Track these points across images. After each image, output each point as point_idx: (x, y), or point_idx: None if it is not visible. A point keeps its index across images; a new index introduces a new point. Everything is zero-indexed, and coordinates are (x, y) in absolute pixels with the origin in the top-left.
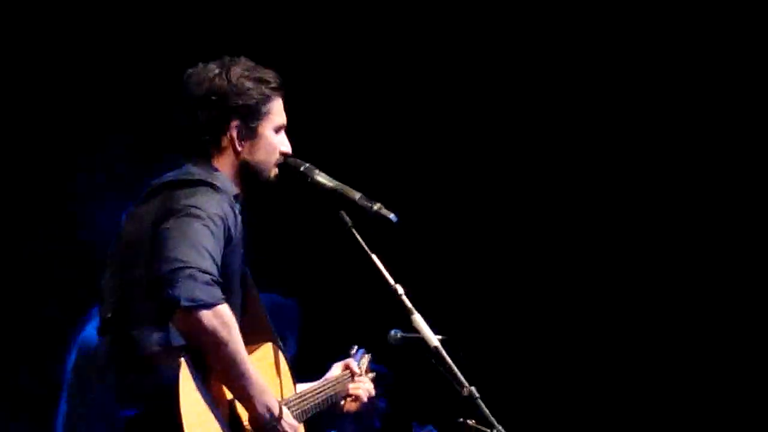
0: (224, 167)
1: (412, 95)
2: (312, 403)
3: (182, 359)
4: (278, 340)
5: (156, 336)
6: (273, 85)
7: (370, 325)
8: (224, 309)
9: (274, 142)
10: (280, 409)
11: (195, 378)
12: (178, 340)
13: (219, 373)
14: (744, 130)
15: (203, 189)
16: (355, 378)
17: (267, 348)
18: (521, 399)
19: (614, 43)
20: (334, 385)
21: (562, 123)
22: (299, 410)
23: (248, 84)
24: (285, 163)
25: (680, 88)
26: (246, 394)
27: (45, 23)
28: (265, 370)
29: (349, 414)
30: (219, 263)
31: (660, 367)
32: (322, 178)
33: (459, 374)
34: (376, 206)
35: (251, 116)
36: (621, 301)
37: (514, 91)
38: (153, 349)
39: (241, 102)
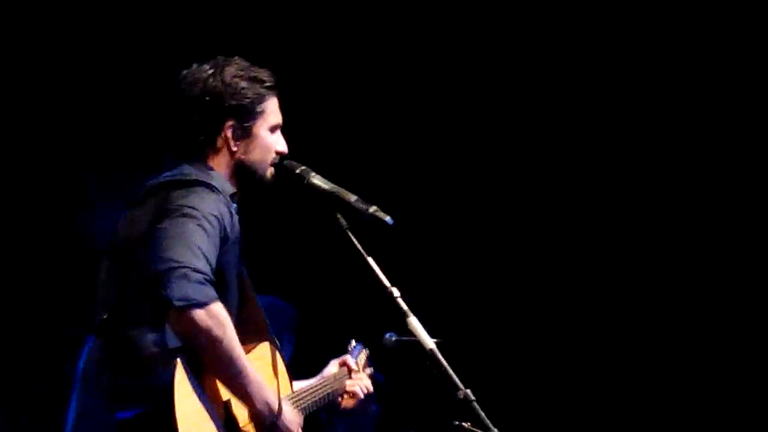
0: (220, 167)
1: (408, 98)
2: (309, 401)
3: (178, 360)
4: (275, 339)
5: (151, 337)
6: (267, 85)
7: (366, 328)
8: (218, 307)
9: (269, 141)
10: (280, 403)
11: (190, 379)
12: (173, 342)
13: (216, 372)
14: (744, 130)
15: (199, 189)
16: (352, 374)
17: (264, 347)
18: (517, 402)
19: (614, 43)
20: (332, 382)
21: (559, 124)
22: (297, 408)
23: (242, 84)
24: (281, 166)
25: (680, 88)
26: (244, 391)
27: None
28: (263, 368)
29: (345, 412)
30: (214, 263)
31: (657, 369)
32: (318, 180)
33: (454, 377)
34: (372, 209)
35: (246, 116)
36: (617, 302)
37: (509, 92)
38: (149, 350)
39: (235, 102)
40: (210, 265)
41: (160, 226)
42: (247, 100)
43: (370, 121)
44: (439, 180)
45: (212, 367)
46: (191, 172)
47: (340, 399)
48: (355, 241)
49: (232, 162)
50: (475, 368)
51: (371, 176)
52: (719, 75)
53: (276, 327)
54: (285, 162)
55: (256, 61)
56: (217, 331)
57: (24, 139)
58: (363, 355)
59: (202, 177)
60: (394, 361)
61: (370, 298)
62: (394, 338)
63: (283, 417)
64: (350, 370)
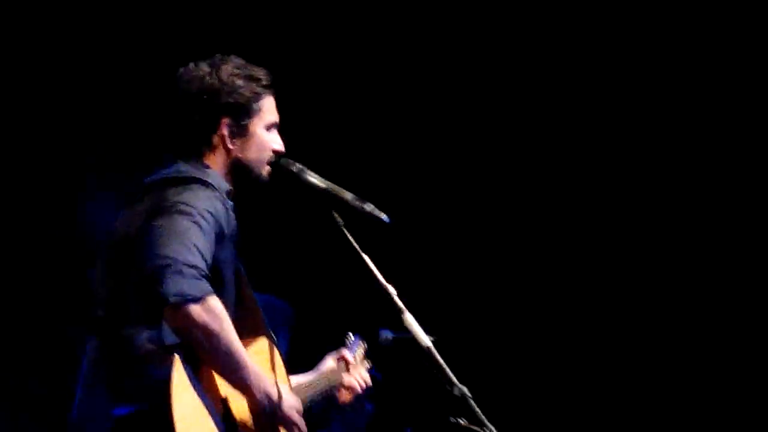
0: (216, 165)
1: (403, 96)
2: (307, 395)
3: (175, 357)
4: (272, 335)
5: (148, 334)
6: (264, 83)
7: (362, 325)
8: (214, 301)
9: (265, 140)
10: (279, 392)
11: (188, 376)
12: (170, 339)
13: (214, 365)
14: (744, 130)
15: (194, 186)
16: (350, 368)
17: (262, 342)
18: (513, 398)
19: (613, 43)
20: (329, 375)
21: (551, 119)
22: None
23: (239, 82)
24: (277, 164)
25: (680, 88)
26: (243, 383)
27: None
28: (261, 363)
29: (341, 407)
30: (209, 259)
31: (652, 365)
32: (313, 178)
33: (450, 374)
34: (368, 207)
35: (242, 114)
36: (613, 298)
37: (503, 87)
38: (145, 347)
39: (232, 100)
40: (205, 260)
41: (155, 223)
42: (244, 99)
43: (365, 119)
44: (434, 177)
45: (210, 361)
46: (187, 169)
47: (337, 393)
48: (351, 239)
49: (229, 160)
50: (472, 365)
51: (367, 174)
52: (719, 75)
53: (272, 325)
54: (281, 160)
55: (252, 60)
56: (213, 325)
57: (23, 139)
58: (361, 349)
59: (197, 174)
60: (390, 359)
61: (366, 296)
62: (390, 336)
63: (283, 405)
64: (348, 364)
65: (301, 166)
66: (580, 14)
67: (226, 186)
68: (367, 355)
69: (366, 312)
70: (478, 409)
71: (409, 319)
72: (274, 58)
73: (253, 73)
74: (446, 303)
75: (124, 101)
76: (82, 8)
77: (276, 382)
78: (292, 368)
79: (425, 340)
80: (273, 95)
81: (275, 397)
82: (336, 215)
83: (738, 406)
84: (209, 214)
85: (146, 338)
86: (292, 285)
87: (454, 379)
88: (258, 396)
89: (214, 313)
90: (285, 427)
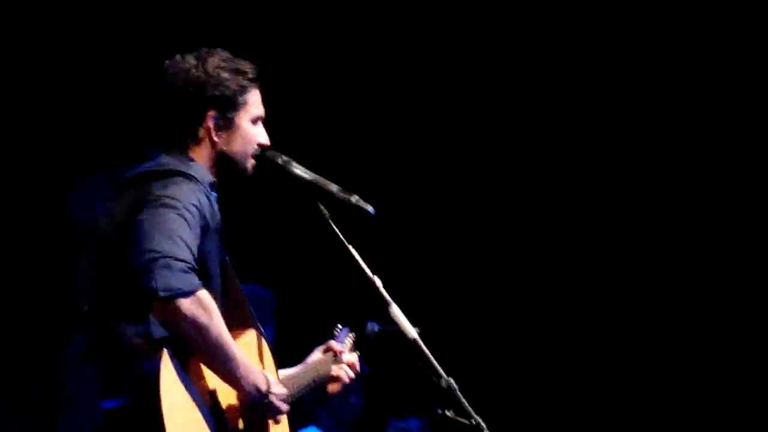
0: (201, 158)
1: (389, 88)
2: (295, 387)
3: (163, 351)
4: (259, 326)
5: (135, 328)
6: (250, 76)
7: (348, 317)
8: (203, 295)
9: (251, 133)
10: (268, 383)
11: (176, 369)
12: (158, 332)
13: (203, 359)
14: (744, 131)
15: (177, 179)
16: (337, 358)
17: (249, 334)
18: (499, 389)
19: (611, 43)
20: (317, 367)
21: (537, 113)
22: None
23: (225, 75)
24: (262, 156)
25: (680, 89)
26: (233, 376)
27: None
28: (249, 355)
29: (329, 398)
30: (195, 252)
31: (636, 357)
32: (299, 170)
33: (437, 365)
34: (354, 198)
35: (228, 107)
36: (598, 290)
37: (487, 80)
38: (133, 341)
39: (217, 93)
40: (192, 254)
41: (140, 217)
42: (230, 91)
43: (351, 111)
44: (420, 170)
45: (199, 354)
46: (170, 162)
47: (326, 384)
48: (337, 231)
49: (214, 153)
50: (458, 356)
51: (352, 166)
52: (719, 75)
53: (257, 315)
54: (266, 152)
55: (239, 55)
56: (203, 319)
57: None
58: (349, 340)
59: (181, 167)
60: (376, 351)
61: (352, 288)
62: (376, 327)
63: (272, 395)
64: (336, 355)
65: (286, 158)
66: (580, 14)
67: (209, 178)
68: (356, 347)
69: (352, 304)
70: (464, 401)
71: (395, 310)
72: (260, 52)
73: (239, 66)
74: (432, 294)
75: (111, 95)
76: (69, 3)
77: (264, 373)
78: (280, 360)
79: (411, 331)
80: (259, 89)
81: (264, 388)
82: (322, 207)
83: (738, 406)
84: (194, 207)
85: (134, 332)
86: (279, 278)
87: (441, 371)
88: (247, 388)
89: (203, 306)
90: (273, 418)
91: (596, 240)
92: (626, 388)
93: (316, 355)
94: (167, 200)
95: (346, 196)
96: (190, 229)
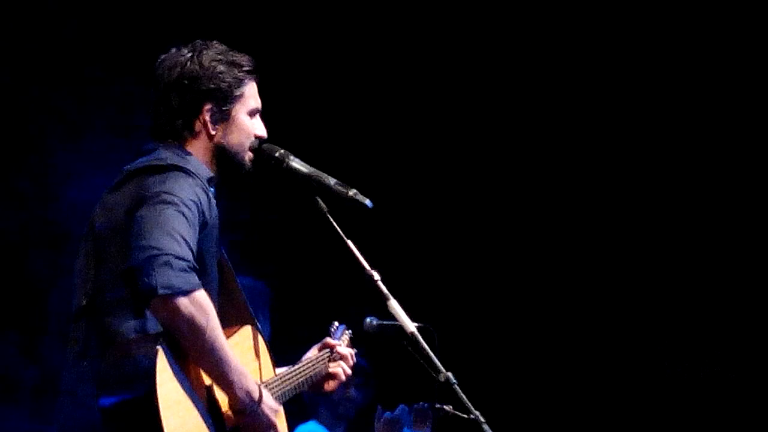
0: (198, 151)
1: (389, 82)
2: (292, 385)
3: (159, 347)
4: (256, 322)
5: (132, 324)
6: (246, 69)
7: (346, 312)
8: (201, 295)
9: (248, 125)
10: (260, 392)
11: (172, 365)
12: (155, 328)
13: (197, 359)
14: (744, 131)
15: (175, 174)
16: (334, 355)
17: (246, 331)
18: (498, 384)
19: (611, 43)
20: (314, 364)
21: (537, 111)
22: (279, 392)
23: (221, 67)
24: (260, 149)
25: (679, 88)
26: (226, 379)
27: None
28: (244, 353)
29: (325, 399)
30: (194, 248)
31: (634, 354)
32: (296, 164)
33: (435, 360)
34: (351, 192)
35: (224, 99)
36: (598, 285)
37: (490, 76)
38: (129, 336)
39: (213, 85)
40: (191, 250)
41: (138, 213)
42: (225, 84)
43: (349, 104)
44: (418, 164)
45: (194, 355)
46: (167, 156)
47: (322, 381)
48: (335, 225)
49: (211, 146)
50: (457, 351)
51: (351, 160)
52: (719, 75)
53: (252, 308)
54: (264, 145)
55: (237, 48)
56: (200, 320)
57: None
58: (346, 337)
59: (178, 162)
60: (374, 345)
61: (350, 283)
62: (375, 322)
63: (263, 405)
64: (332, 352)
65: (284, 152)
66: (579, 14)
67: (207, 173)
68: (353, 343)
69: (351, 298)
70: (463, 396)
71: (394, 305)
72: (259, 46)
73: (235, 58)
74: (431, 289)
75: (107, 86)
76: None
77: (258, 383)
78: (277, 357)
79: (410, 325)
80: (256, 81)
81: (256, 395)
82: (319, 201)
83: (738, 406)
84: (192, 203)
85: (130, 327)
86: (276, 273)
87: (440, 366)
88: (239, 394)
89: (201, 307)
90: (263, 427)
91: (597, 235)
92: (626, 383)
93: (312, 353)
94: (166, 196)
95: (344, 189)
96: (190, 225)
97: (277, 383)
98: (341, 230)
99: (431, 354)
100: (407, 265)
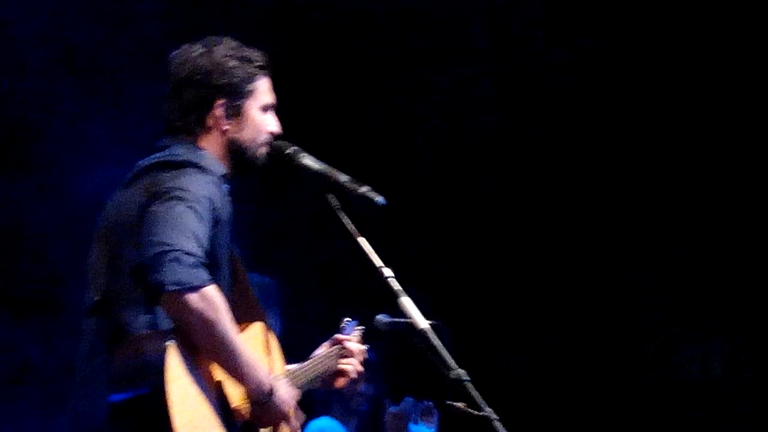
0: (211, 147)
1: (401, 80)
2: (302, 381)
3: (170, 343)
4: (266, 318)
5: (144, 319)
6: (258, 64)
7: (358, 309)
8: (211, 290)
9: (260, 121)
10: (274, 383)
11: (183, 361)
12: (166, 324)
13: (209, 354)
14: (744, 131)
15: (189, 170)
16: (344, 352)
17: (257, 327)
18: (511, 382)
19: (611, 43)
20: (324, 361)
21: (545, 109)
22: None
23: (232, 62)
24: (271, 146)
25: (678, 89)
26: (238, 372)
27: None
28: (255, 349)
29: (338, 394)
30: (206, 245)
31: (647, 350)
32: (309, 160)
33: (448, 357)
34: (364, 189)
35: (236, 95)
36: (610, 286)
37: (494, 76)
38: (141, 332)
39: (225, 80)
40: (202, 247)
41: (151, 209)
42: (237, 79)
43: (362, 102)
44: (431, 161)
45: (206, 350)
46: (181, 152)
47: (333, 378)
48: (347, 222)
49: (224, 141)
50: (470, 348)
51: (363, 156)
52: (719, 75)
53: (263, 304)
54: (276, 142)
55: (250, 45)
56: (210, 314)
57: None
58: (357, 333)
59: (192, 158)
60: (386, 343)
61: (362, 280)
62: (386, 320)
63: (276, 396)
64: (343, 349)
65: (296, 148)
66: (580, 14)
67: (221, 169)
68: (364, 340)
69: (362, 296)
70: (476, 393)
71: (406, 302)
72: (271, 42)
73: (246, 54)
74: (444, 286)
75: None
76: None
77: (271, 375)
78: (288, 354)
79: (422, 323)
80: (268, 77)
81: (269, 387)
82: (331, 198)
83: (738, 405)
84: (205, 199)
85: (142, 323)
86: (289, 270)
87: (452, 363)
88: (252, 386)
89: (211, 302)
90: (276, 419)
91: (611, 231)
92: (637, 381)
93: (323, 349)
94: (178, 192)
95: (356, 186)
96: (201, 221)
97: (287, 380)
98: (353, 227)
99: (443, 351)
100: (420, 263)
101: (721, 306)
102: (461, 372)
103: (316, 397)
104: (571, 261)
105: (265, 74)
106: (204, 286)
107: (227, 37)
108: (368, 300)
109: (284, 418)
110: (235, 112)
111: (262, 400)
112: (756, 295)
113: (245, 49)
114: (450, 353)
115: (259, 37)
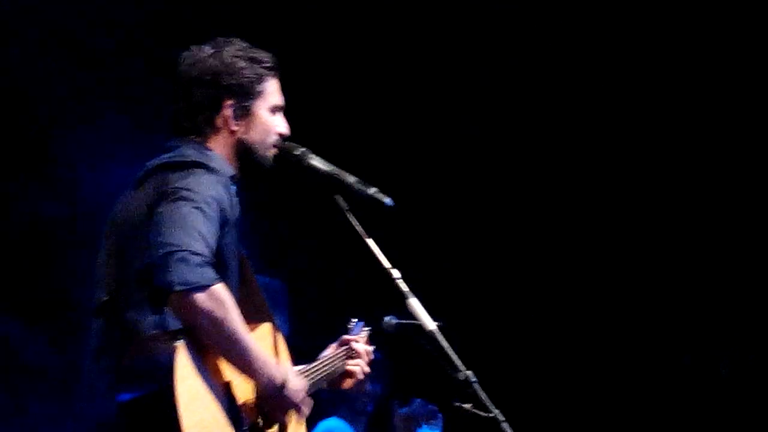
0: (220, 148)
1: (408, 82)
2: (310, 382)
3: (178, 343)
4: (274, 319)
5: (152, 319)
6: (267, 65)
7: (366, 310)
8: (219, 289)
9: (269, 122)
10: (284, 376)
11: (192, 360)
12: (174, 324)
13: (220, 351)
14: (743, 131)
15: (197, 171)
16: (351, 353)
17: (265, 328)
18: (519, 382)
19: (611, 43)
20: (331, 362)
21: (550, 112)
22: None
23: (242, 63)
24: (280, 147)
25: (679, 89)
26: (250, 368)
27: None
28: (264, 349)
29: (344, 394)
30: (214, 245)
31: (654, 351)
32: (317, 162)
33: (455, 359)
34: (372, 190)
35: (245, 95)
36: (614, 288)
37: (499, 79)
38: (149, 332)
39: (234, 81)
40: (210, 247)
41: (159, 209)
42: (246, 80)
43: (370, 103)
44: (439, 162)
45: (216, 348)
46: (190, 153)
47: (340, 379)
48: (355, 223)
49: (233, 142)
50: (478, 349)
51: (371, 158)
52: (719, 75)
53: (270, 306)
54: (284, 143)
55: (259, 46)
56: (218, 313)
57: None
58: (364, 334)
59: (200, 158)
60: (394, 344)
61: (370, 281)
62: (394, 321)
63: (288, 389)
64: (350, 350)
65: (304, 149)
66: (579, 14)
67: (230, 170)
68: (371, 341)
69: (370, 297)
70: (483, 394)
71: (414, 303)
72: (280, 43)
73: (256, 55)
74: (452, 287)
75: (125, 78)
76: None
77: (282, 367)
78: (295, 355)
79: (430, 324)
80: (277, 78)
81: (279, 381)
82: (339, 199)
83: (738, 405)
84: (213, 200)
85: (150, 323)
86: (297, 271)
87: (459, 364)
88: (263, 380)
89: (219, 300)
90: (288, 410)
91: (618, 233)
92: (644, 381)
93: (330, 350)
94: (185, 193)
95: (364, 188)
96: (208, 221)
97: (296, 371)
98: (361, 229)
99: (451, 352)
100: (428, 264)
101: (729, 307)
102: (469, 373)
103: (324, 398)
104: (578, 262)
105: (274, 75)
106: (212, 285)
107: (236, 38)
108: (375, 301)
109: (296, 408)
110: (244, 113)
111: (274, 394)
112: (761, 297)
113: (254, 50)
114: (457, 354)
115: (265, 37)
